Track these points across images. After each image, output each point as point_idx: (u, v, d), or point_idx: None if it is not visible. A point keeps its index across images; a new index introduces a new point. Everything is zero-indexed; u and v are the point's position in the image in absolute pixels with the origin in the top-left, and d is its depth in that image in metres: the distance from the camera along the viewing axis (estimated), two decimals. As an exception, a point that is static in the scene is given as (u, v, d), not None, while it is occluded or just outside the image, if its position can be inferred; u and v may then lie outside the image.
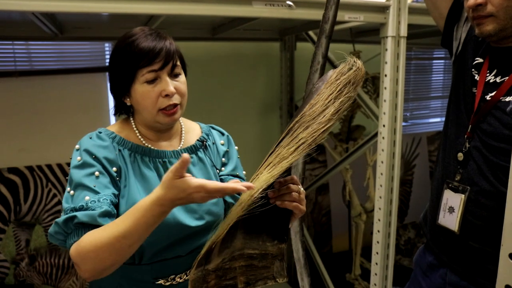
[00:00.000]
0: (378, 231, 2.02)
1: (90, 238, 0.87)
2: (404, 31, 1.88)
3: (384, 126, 1.95)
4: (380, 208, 2.01)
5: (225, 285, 0.94)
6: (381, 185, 2.00)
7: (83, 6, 1.57)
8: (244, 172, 1.25)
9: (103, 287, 1.10)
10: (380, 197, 2.01)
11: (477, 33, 1.18)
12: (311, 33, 2.41)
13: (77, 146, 1.03)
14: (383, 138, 1.96)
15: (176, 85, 1.03)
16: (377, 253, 2.04)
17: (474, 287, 1.19)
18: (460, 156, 1.19)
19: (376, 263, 2.05)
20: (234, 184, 0.81)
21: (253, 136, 2.96)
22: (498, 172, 1.12)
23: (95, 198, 0.93)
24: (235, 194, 1.15)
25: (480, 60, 1.23)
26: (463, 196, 1.17)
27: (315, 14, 1.74)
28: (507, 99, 1.11)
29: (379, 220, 2.02)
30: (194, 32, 2.60)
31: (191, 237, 1.07)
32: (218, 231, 0.93)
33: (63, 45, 2.53)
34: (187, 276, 1.09)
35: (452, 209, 1.19)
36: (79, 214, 0.90)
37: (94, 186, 0.95)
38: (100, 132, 1.06)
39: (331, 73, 0.94)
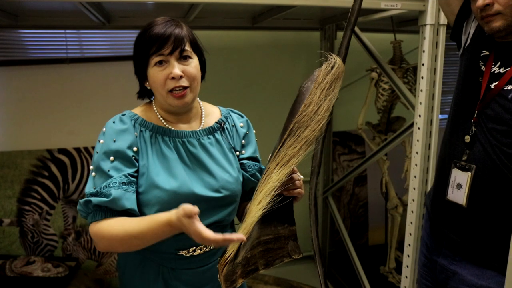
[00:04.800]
0: (411, 222, 1.99)
1: (108, 227, 1.01)
2: (444, 19, 1.82)
3: (420, 116, 1.91)
4: (413, 200, 1.98)
5: (248, 271, 1.04)
6: (415, 176, 1.96)
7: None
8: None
9: (129, 259, 1.20)
10: (414, 189, 1.97)
11: (486, 30, 1.29)
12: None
13: (103, 129, 1.12)
14: (418, 128, 1.92)
15: (185, 69, 1.09)
16: (409, 245, 2.01)
17: (466, 243, 1.34)
18: (467, 138, 1.32)
19: (408, 255, 2.02)
20: (227, 236, 0.93)
21: (291, 125, 2.97)
22: (499, 152, 1.24)
23: (106, 183, 1.04)
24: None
25: (486, 53, 1.35)
26: (469, 173, 1.30)
27: (350, 2, 1.73)
28: (509, 87, 1.24)
29: (412, 211, 1.99)
30: (235, 21, 2.65)
31: (209, 210, 1.14)
32: (243, 230, 1.04)
33: (111, 33, 2.67)
34: (206, 248, 1.17)
35: (460, 185, 1.32)
36: (93, 199, 1.03)
37: (108, 171, 1.06)
38: (123, 115, 1.14)
39: (317, 73, 1.04)
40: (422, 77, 1.88)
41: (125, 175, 1.06)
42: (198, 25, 2.56)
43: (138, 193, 1.09)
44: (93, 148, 2.53)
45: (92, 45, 2.65)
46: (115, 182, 1.04)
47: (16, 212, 2.46)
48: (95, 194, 1.04)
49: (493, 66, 1.31)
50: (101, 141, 1.09)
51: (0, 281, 2.40)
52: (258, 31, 2.78)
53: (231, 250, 1.03)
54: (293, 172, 1.07)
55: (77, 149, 2.53)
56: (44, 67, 2.49)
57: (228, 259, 1.02)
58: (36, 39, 2.55)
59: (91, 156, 2.54)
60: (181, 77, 1.08)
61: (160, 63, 1.08)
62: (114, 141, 1.08)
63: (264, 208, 1.01)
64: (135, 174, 1.08)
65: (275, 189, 1.01)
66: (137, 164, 1.09)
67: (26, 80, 2.47)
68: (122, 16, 2.47)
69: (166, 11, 2.36)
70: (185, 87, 1.09)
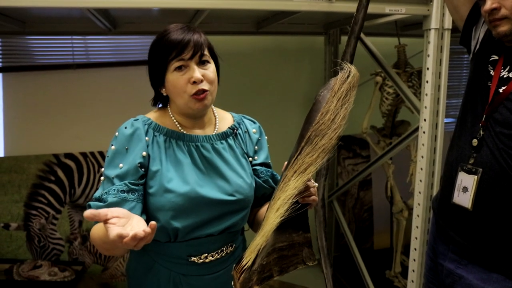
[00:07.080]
0: (417, 227, 1.99)
1: (94, 230, 1.04)
2: (448, 23, 1.83)
3: (425, 120, 1.91)
4: (419, 204, 1.98)
5: (263, 278, 1.05)
6: (420, 180, 1.96)
7: (134, 2, 1.67)
8: None
9: (139, 264, 1.20)
10: (420, 193, 1.97)
11: (494, 34, 1.30)
12: (355, 26, 2.40)
13: (116, 133, 1.13)
14: (423, 132, 1.93)
15: (204, 73, 1.11)
16: (415, 249, 2.01)
17: (472, 247, 1.34)
18: (475, 142, 1.33)
19: (414, 260, 2.02)
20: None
21: (295, 129, 2.97)
22: (506, 156, 1.25)
23: (107, 190, 1.06)
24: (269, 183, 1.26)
25: (495, 57, 1.36)
26: (476, 177, 1.30)
27: (354, 7, 1.73)
28: None
29: (418, 216, 1.99)
30: (239, 26, 2.66)
31: (223, 215, 1.15)
32: (261, 237, 1.04)
33: (117, 39, 2.69)
34: (218, 255, 1.18)
35: (466, 188, 1.33)
36: (92, 203, 1.05)
37: (113, 178, 1.07)
38: (136, 120, 1.15)
39: (333, 82, 1.06)
40: (427, 81, 1.88)
41: (125, 184, 1.06)
42: (203, 30, 2.57)
43: (149, 195, 1.10)
44: (99, 152, 2.56)
45: (98, 51, 2.67)
46: (114, 190, 1.05)
47: (23, 216, 2.48)
48: (97, 200, 1.06)
49: (502, 70, 1.32)
50: (113, 146, 1.10)
51: (8, 285, 2.41)
52: (263, 36, 2.79)
53: (248, 258, 1.04)
54: (307, 179, 1.07)
55: (83, 154, 2.54)
56: (50, 72, 2.52)
57: (246, 267, 1.03)
58: (43, 45, 2.58)
59: (97, 160, 2.56)
60: (201, 80, 1.10)
61: (179, 68, 1.09)
62: (125, 148, 1.09)
63: (282, 216, 1.01)
64: (140, 181, 1.09)
65: (292, 197, 1.02)
66: (142, 170, 1.10)
67: (33, 85, 2.50)
68: (128, 22, 2.49)
69: (172, 17, 2.37)
70: (204, 90, 1.11)
